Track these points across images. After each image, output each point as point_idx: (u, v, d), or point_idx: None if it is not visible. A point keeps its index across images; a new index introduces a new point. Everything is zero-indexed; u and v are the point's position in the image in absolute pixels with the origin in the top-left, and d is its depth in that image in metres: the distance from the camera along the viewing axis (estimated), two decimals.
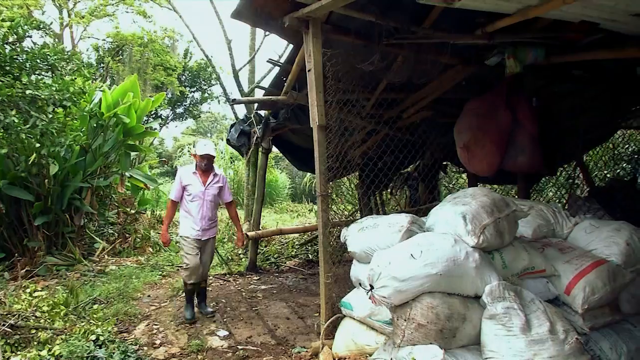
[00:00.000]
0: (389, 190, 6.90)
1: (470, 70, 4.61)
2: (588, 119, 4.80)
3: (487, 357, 2.89)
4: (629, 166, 6.82)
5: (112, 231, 8.95)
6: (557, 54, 4.32)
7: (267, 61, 4.99)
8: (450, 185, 7.47)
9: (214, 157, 5.10)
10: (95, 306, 5.25)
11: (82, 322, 4.70)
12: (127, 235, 9.05)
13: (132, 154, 9.42)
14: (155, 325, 4.98)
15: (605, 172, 6.94)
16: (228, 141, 7.29)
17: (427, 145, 5.58)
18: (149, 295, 6.13)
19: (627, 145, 6.91)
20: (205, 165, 5.01)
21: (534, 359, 2.77)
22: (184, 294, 5.37)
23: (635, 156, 6.70)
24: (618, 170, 6.84)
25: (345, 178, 7.99)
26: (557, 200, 6.59)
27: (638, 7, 3.07)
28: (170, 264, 7.97)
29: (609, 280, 3.34)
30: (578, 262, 3.44)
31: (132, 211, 9.61)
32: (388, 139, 5.18)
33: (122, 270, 7.15)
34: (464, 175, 7.25)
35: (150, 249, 9.02)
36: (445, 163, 6.48)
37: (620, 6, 3.09)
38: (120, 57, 16.87)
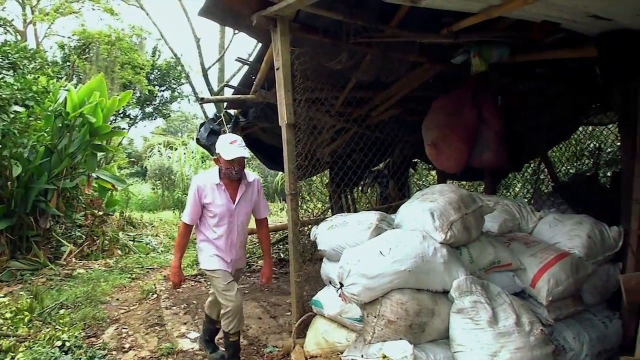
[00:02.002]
0: (360, 187, 6.94)
1: (437, 68, 4.67)
2: (551, 116, 4.93)
3: (456, 351, 2.95)
4: (591, 161, 7.03)
5: (79, 234, 8.77)
6: (521, 53, 4.41)
7: (236, 60, 4.96)
8: (420, 182, 7.57)
9: (245, 159, 3.67)
10: (61, 311, 5.13)
11: (48, 328, 4.59)
12: (95, 237, 8.88)
13: (99, 154, 9.27)
14: (125, 328, 4.91)
15: (569, 167, 7.13)
16: (198, 140, 7.21)
17: (396, 143, 5.63)
18: (117, 299, 6.03)
19: (589, 142, 7.11)
20: (237, 172, 3.56)
21: (501, 351, 2.83)
22: (205, 332, 4.15)
23: (597, 152, 6.91)
24: (581, 166, 7.04)
25: (317, 176, 8.01)
26: (523, 196, 6.75)
27: (595, 8, 3.17)
28: (140, 266, 7.86)
29: (572, 273, 3.45)
30: (542, 256, 3.53)
31: (100, 213, 9.43)
32: (357, 137, 5.22)
33: (90, 274, 7.02)
34: (433, 172, 7.35)
35: (119, 251, 8.89)
36: (414, 160, 6.56)
37: (579, 7, 3.18)
38: (87, 55, 16.49)
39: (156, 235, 11.13)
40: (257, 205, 3.82)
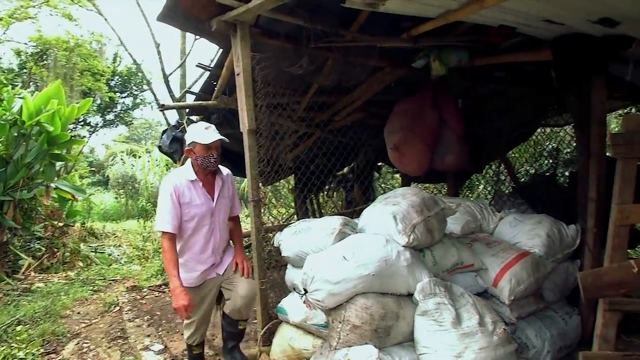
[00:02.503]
0: (325, 192, 6.94)
1: (398, 72, 4.71)
2: (510, 119, 5.04)
3: (421, 353, 2.95)
4: (550, 162, 7.22)
5: (39, 246, 8.49)
6: (480, 57, 4.49)
7: (197, 65, 4.88)
8: (385, 186, 7.62)
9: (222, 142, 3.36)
10: (18, 327, 4.94)
11: (3, 346, 4.40)
12: (55, 249, 8.60)
13: (58, 163, 8.98)
14: (86, 343, 4.76)
15: (529, 168, 7.30)
16: (160, 148, 7.06)
17: (360, 147, 5.65)
18: (78, 312, 5.84)
19: (547, 142, 7.30)
20: (215, 160, 3.29)
21: (465, 351, 2.85)
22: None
23: (555, 152, 7.10)
24: (540, 166, 7.22)
25: (284, 182, 7.97)
26: (485, 196, 6.87)
27: (548, 13, 3.25)
28: (102, 278, 7.65)
29: (533, 271, 3.52)
30: (504, 255, 3.59)
31: (61, 224, 9.15)
32: (321, 142, 5.21)
33: (50, 287, 6.79)
34: (398, 176, 7.42)
35: (81, 263, 8.64)
36: (378, 164, 6.60)
37: (532, 12, 3.26)
38: (45, 62, 16.02)
39: (119, 245, 10.88)
40: (232, 200, 3.56)
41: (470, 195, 8.05)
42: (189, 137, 3.28)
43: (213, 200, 3.36)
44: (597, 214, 3.82)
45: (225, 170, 3.53)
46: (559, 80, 3.82)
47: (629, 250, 4.78)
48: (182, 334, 3.92)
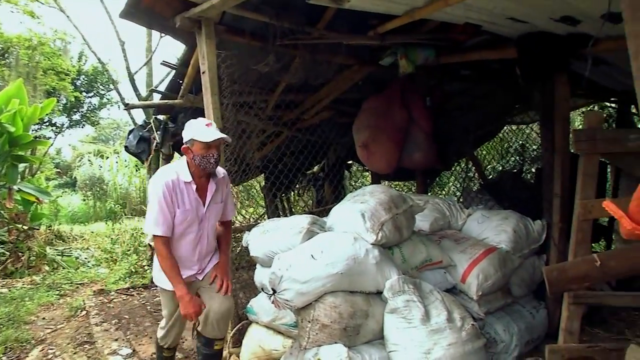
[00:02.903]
0: (296, 191, 6.91)
1: (366, 70, 4.71)
2: (477, 116, 5.10)
3: (391, 350, 2.96)
4: (517, 159, 7.35)
5: (2, 250, 8.21)
6: (447, 55, 4.53)
7: (161, 63, 4.78)
8: (356, 184, 7.63)
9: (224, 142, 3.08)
10: None
11: None
12: (20, 253, 8.34)
13: (21, 165, 8.71)
14: (51, 349, 4.61)
15: (497, 165, 7.42)
16: (126, 148, 6.93)
17: (329, 146, 5.63)
18: (44, 318, 5.67)
19: (514, 139, 7.43)
20: (215, 161, 2.97)
21: (434, 348, 2.87)
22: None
23: (521, 149, 7.23)
24: (507, 163, 7.34)
25: (254, 181, 7.90)
26: (453, 194, 6.95)
27: (512, 11, 3.30)
28: (69, 282, 7.45)
29: (500, 266, 3.56)
30: (472, 251, 3.63)
31: (25, 227, 8.88)
32: (288, 141, 5.18)
33: (14, 293, 6.59)
34: (368, 174, 7.43)
35: (47, 267, 8.40)
36: (349, 162, 6.61)
37: (497, 10, 3.30)
38: (5, 60, 15.52)
39: (87, 248, 10.63)
40: (225, 205, 3.23)
41: (441, 192, 8.13)
42: (186, 134, 2.97)
43: (204, 206, 3.06)
44: (562, 209, 3.90)
45: (221, 172, 3.18)
46: (524, 77, 3.87)
47: (593, 244, 4.90)
48: (153, 336, 3.80)
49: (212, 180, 3.09)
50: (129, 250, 9.20)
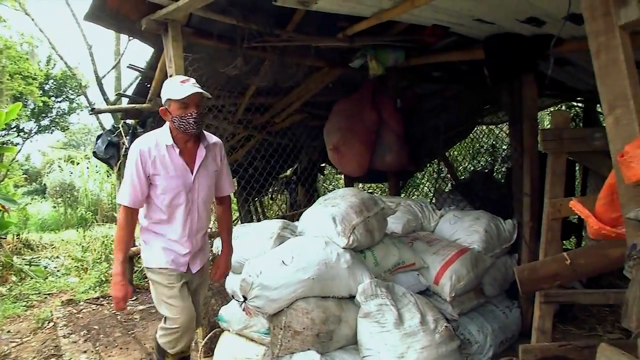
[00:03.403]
0: (270, 195, 6.85)
1: (336, 72, 4.69)
2: (448, 117, 5.13)
3: (364, 355, 2.93)
4: (488, 158, 7.43)
5: None
6: (416, 57, 4.54)
7: (128, 67, 4.68)
8: (330, 187, 7.61)
9: (204, 98, 2.72)
10: None
11: None
12: None
13: None
14: None
15: (470, 165, 7.49)
16: (95, 154, 6.78)
17: (302, 149, 5.59)
18: (9, 331, 5.48)
19: (486, 140, 7.51)
20: (196, 121, 2.64)
21: (408, 351, 2.85)
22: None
23: (492, 149, 7.32)
24: (479, 163, 7.41)
25: None
26: (426, 195, 6.98)
27: (478, 12, 3.31)
28: (37, 292, 7.24)
29: (472, 267, 3.57)
30: (444, 253, 3.63)
31: None
32: (259, 145, 5.12)
33: None
34: (342, 176, 7.42)
35: (14, 278, 8.14)
36: (322, 165, 6.58)
37: (464, 12, 3.31)
38: None
39: (57, 257, 10.35)
40: (219, 176, 2.90)
41: (416, 192, 8.16)
42: (163, 95, 2.72)
43: (192, 173, 2.74)
44: (532, 208, 3.93)
45: (213, 138, 2.88)
46: (492, 78, 3.90)
47: (564, 242, 4.97)
48: (124, 347, 3.60)
49: (201, 144, 2.78)
50: (99, 258, 9.00)
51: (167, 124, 2.74)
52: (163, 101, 2.71)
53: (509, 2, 3.04)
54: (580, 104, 7.20)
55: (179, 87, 2.63)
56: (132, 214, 2.71)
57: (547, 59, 3.76)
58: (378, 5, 3.22)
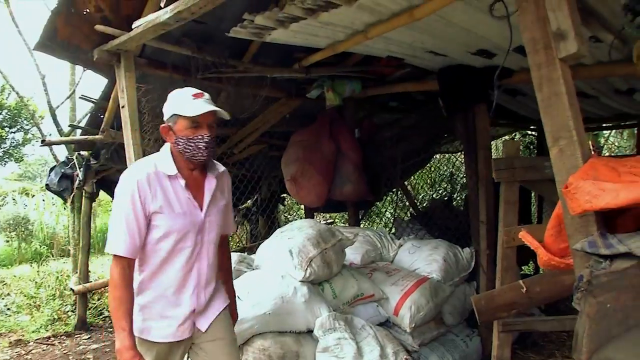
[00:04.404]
0: None
1: (294, 103, 4.70)
2: (406, 147, 5.18)
3: None
4: (447, 187, 7.53)
5: None
6: (373, 87, 4.61)
7: (80, 97, 4.57)
8: (291, 217, 7.55)
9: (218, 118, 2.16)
10: None
11: None
12: None
13: None
14: None
15: (428, 193, 7.57)
16: (47, 186, 6.57)
17: (262, 179, 5.54)
18: None
19: (445, 168, 7.63)
20: (206, 147, 2.06)
21: None
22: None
23: (450, 178, 7.43)
24: (437, 192, 7.51)
25: None
26: (389, 223, 7.00)
27: (430, 45, 3.39)
28: None
29: (432, 297, 3.56)
30: (403, 283, 3.60)
31: None
32: None
33: None
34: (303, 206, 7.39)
35: None
36: (282, 196, 6.54)
37: (416, 44, 3.38)
38: None
39: (8, 294, 9.85)
40: (227, 211, 2.33)
41: (379, 221, 8.18)
42: (168, 109, 2.15)
43: (202, 210, 2.13)
44: (488, 236, 3.96)
45: (220, 166, 2.30)
46: (446, 109, 3.98)
47: (522, 267, 5.03)
48: None
49: (209, 174, 2.19)
50: (54, 295, 8.61)
51: (166, 147, 2.18)
52: (166, 117, 2.16)
53: (459, 35, 3.12)
54: (534, 132, 7.42)
55: (190, 101, 2.06)
56: (128, 266, 2.02)
57: (499, 89, 3.87)
58: (332, 36, 3.25)
